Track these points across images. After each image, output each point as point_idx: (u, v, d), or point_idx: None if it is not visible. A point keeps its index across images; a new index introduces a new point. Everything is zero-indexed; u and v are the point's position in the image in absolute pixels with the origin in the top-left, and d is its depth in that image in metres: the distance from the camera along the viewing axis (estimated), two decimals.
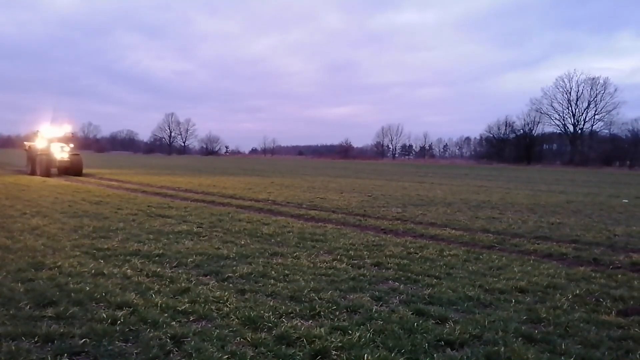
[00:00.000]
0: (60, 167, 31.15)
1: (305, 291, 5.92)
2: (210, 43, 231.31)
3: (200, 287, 6.01)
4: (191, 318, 4.99)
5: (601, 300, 5.90)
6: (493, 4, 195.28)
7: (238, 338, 4.50)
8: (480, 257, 8.37)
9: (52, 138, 32.42)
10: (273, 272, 6.84)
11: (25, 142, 35.58)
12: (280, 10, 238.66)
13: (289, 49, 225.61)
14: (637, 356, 4.18)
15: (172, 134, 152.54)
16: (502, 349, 4.29)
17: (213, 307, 5.29)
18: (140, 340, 4.38)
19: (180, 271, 6.83)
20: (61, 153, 31.35)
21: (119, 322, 4.74)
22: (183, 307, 5.23)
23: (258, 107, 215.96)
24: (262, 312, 5.14)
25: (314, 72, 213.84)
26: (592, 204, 19.00)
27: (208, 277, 6.62)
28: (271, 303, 5.47)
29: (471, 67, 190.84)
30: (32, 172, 30.64)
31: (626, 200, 21.18)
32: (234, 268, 7.03)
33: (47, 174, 29.14)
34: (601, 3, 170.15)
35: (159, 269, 6.86)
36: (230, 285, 6.22)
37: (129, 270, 6.74)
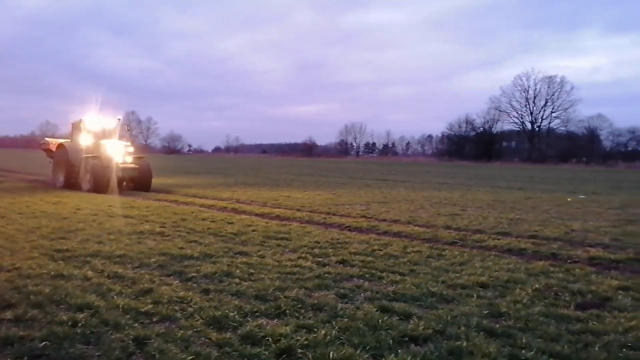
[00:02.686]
0: (124, 178, 20.37)
1: (271, 290, 5.90)
2: (178, 41, 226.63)
3: (163, 288, 5.91)
4: (154, 319, 4.90)
5: (560, 294, 6.07)
6: (462, 3, 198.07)
7: (202, 338, 4.45)
8: (443, 253, 8.51)
9: (102, 132, 22.23)
10: (238, 271, 6.78)
11: (46, 139, 24.59)
12: (252, 8, 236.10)
13: (259, 47, 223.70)
14: (596, 349, 4.31)
15: (133, 133, 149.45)
16: (465, 343, 4.37)
17: (177, 308, 5.21)
18: (101, 343, 4.27)
19: (142, 272, 6.70)
20: (124, 155, 20.66)
21: (79, 324, 4.63)
22: (146, 308, 5.13)
23: (225, 105, 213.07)
24: (226, 311, 5.09)
25: (283, 71, 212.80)
26: (549, 200, 19.58)
27: (171, 277, 6.51)
28: (236, 302, 5.43)
29: (439, 66, 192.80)
30: (69, 185, 20.83)
31: (583, 196, 21.91)
32: (198, 268, 6.94)
33: (105, 188, 18.94)
34: (566, 3, 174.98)
35: (120, 270, 6.71)
36: (194, 285, 6.14)
37: (89, 272, 6.57)
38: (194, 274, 6.59)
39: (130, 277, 6.38)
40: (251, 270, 6.87)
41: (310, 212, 14.22)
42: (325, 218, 12.98)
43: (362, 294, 5.93)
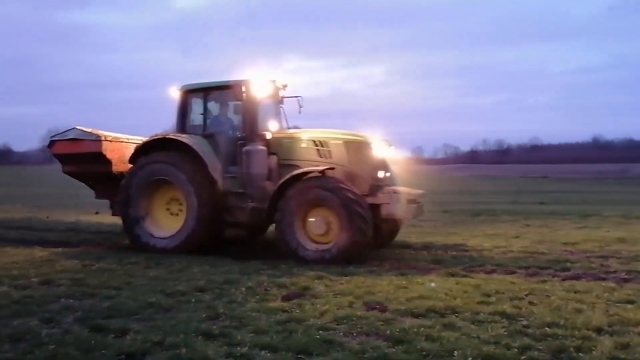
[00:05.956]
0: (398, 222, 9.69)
1: None
2: None
3: None
4: None
5: (269, 289, 6.58)
6: (183, 16, 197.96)
7: None
8: (161, 262, 8.37)
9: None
10: None
11: (80, 129, 10.21)
12: None
13: None
14: (299, 335, 4.80)
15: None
16: (184, 350, 4.38)
17: None
18: None
19: None
20: (388, 169, 9.35)
21: None
22: None
23: None
24: None
25: None
26: None
27: None
28: None
29: (161, 72, 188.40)
30: (207, 238, 9.22)
31: None
32: None
33: (364, 246, 8.36)
34: (270, 27, 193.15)
35: None
36: None
37: None
38: None
39: None
40: None
41: (5, 228, 12.37)
42: (24, 234, 11.46)
43: (71, 316, 5.41)
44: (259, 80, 9.55)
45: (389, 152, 9.38)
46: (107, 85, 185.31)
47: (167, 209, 9.77)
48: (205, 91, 9.96)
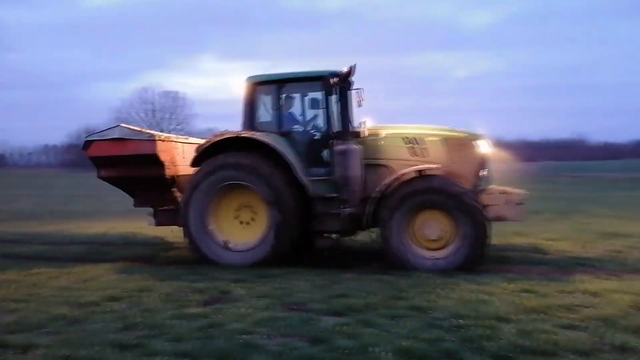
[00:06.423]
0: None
1: None
2: None
3: None
4: None
5: (189, 294, 6.42)
6: (94, 15, 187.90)
7: None
8: (72, 271, 7.95)
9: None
10: None
11: (153, 133, 8.99)
12: None
13: None
14: (219, 339, 4.73)
15: None
16: None
17: None
18: None
19: None
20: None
21: None
22: None
23: None
24: None
25: None
26: None
27: None
28: None
29: (65, 73, 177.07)
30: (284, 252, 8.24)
31: None
32: None
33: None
34: (186, 28, 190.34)
35: None
36: None
37: None
38: None
39: None
40: None
41: None
42: None
43: None
44: (351, 71, 8.52)
45: (489, 149, 8.71)
46: (4, 85, 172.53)
47: (236, 217, 8.62)
48: (280, 83, 8.75)
